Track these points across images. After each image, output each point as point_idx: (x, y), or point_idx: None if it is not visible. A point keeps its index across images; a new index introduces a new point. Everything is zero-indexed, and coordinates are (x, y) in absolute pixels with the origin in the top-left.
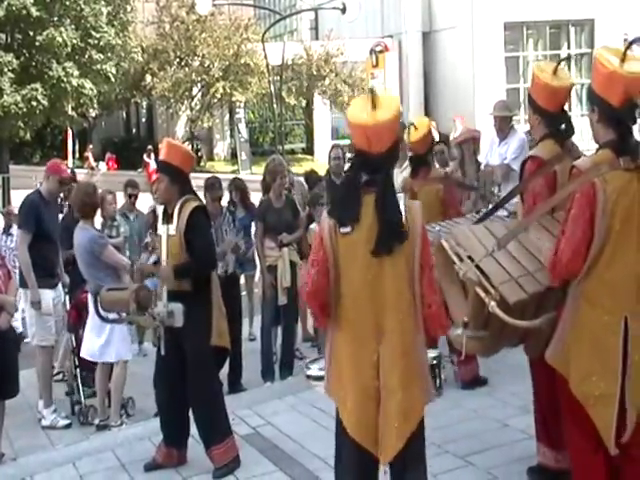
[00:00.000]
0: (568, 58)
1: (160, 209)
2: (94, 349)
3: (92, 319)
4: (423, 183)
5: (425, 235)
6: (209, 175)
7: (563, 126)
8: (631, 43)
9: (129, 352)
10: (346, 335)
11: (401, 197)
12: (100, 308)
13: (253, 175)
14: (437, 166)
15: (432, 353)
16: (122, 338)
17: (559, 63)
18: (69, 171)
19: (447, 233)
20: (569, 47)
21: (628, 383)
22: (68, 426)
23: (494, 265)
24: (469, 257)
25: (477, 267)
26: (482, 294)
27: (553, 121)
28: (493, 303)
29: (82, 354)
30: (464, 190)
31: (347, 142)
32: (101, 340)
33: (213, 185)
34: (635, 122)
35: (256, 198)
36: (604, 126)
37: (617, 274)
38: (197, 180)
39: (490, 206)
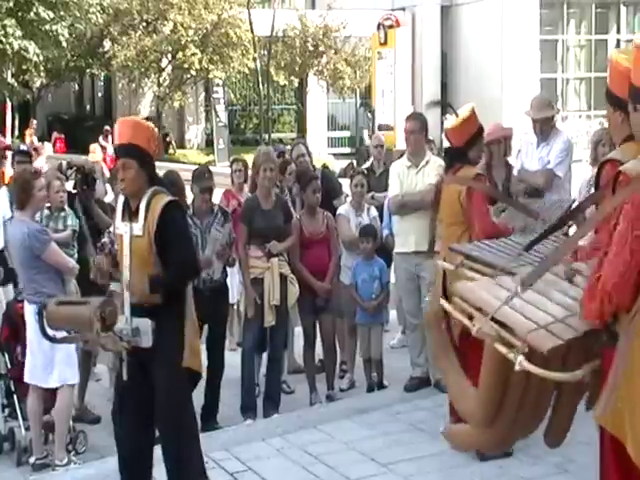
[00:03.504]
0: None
1: (120, 202)
2: (32, 370)
3: (30, 334)
4: (450, 180)
5: None
6: (173, 165)
7: None
8: None
9: (76, 374)
10: None
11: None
12: (47, 325)
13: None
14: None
15: None
16: (67, 357)
17: None
18: None
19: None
20: (619, 31)
21: None
22: None
23: (514, 314)
24: (479, 309)
25: (493, 320)
26: (504, 350)
27: None
28: (520, 357)
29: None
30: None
31: (346, 134)
32: (40, 360)
33: (202, 174)
34: None
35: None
36: None
37: None
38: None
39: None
